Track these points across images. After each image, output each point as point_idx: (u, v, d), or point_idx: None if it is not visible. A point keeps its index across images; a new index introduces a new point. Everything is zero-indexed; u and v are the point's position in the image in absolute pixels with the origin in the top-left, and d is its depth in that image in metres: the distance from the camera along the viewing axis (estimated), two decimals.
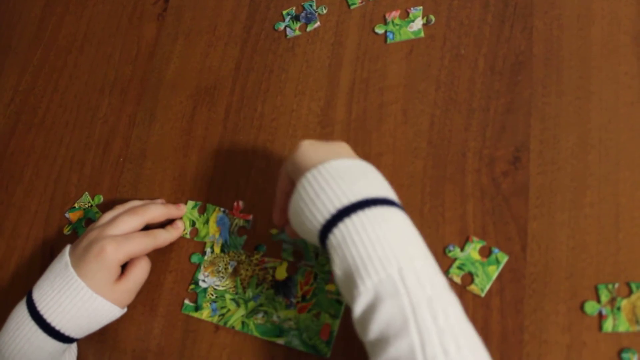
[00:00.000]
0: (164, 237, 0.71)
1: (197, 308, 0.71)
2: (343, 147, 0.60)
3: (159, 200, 0.76)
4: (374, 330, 0.49)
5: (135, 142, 0.84)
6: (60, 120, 0.90)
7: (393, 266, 0.50)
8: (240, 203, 0.74)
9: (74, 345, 0.73)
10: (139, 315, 0.73)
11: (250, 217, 0.73)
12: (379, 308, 0.48)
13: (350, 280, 0.51)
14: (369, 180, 0.56)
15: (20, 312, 0.66)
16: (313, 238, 0.56)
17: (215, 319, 0.69)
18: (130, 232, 0.69)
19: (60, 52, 0.95)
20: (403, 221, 0.54)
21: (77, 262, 0.66)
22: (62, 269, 0.66)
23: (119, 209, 0.72)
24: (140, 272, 0.69)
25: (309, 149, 0.59)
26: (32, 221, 0.84)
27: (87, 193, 0.83)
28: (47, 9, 1.00)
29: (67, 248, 0.69)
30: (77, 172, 0.85)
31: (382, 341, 0.48)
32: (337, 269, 0.52)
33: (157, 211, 0.72)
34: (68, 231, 0.81)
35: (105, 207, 0.80)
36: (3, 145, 0.91)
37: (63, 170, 0.86)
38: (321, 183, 0.55)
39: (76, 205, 0.82)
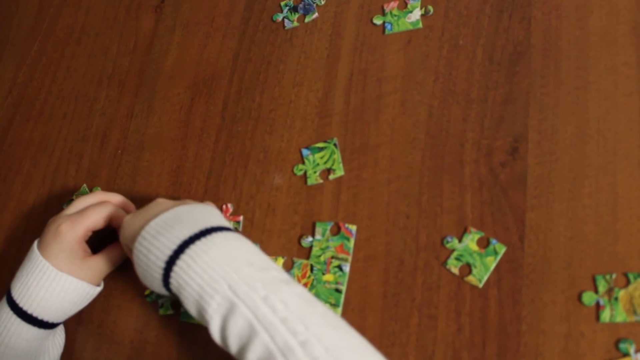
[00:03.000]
0: (116, 198, 0.73)
1: None
2: (159, 204, 0.63)
3: None
4: (233, 345, 0.53)
5: (133, 133, 0.83)
6: (58, 112, 0.89)
7: (223, 286, 0.53)
8: (229, 206, 0.74)
9: (60, 336, 0.73)
10: (137, 307, 0.73)
11: (240, 218, 0.73)
12: (228, 326, 0.52)
13: (200, 314, 0.55)
14: (182, 222, 0.59)
15: (2, 302, 0.67)
16: (160, 292, 0.60)
17: None
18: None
19: (58, 44, 0.95)
20: (222, 240, 0.57)
21: (41, 246, 0.68)
22: (29, 254, 0.68)
23: None
24: (114, 254, 0.70)
25: (127, 225, 0.63)
26: (29, 213, 0.84)
27: (85, 185, 0.82)
28: (45, 1, 1.00)
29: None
30: (75, 164, 0.85)
31: (242, 350, 0.52)
32: (189, 308, 0.56)
33: (115, 196, 0.73)
34: None
35: None
36: (1, 137, 0.91)
37: (61, 162, 0.86)
38: (145, 248, 0.58)
39: (74, 197, 0.82)
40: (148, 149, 0.82)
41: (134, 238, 0.60)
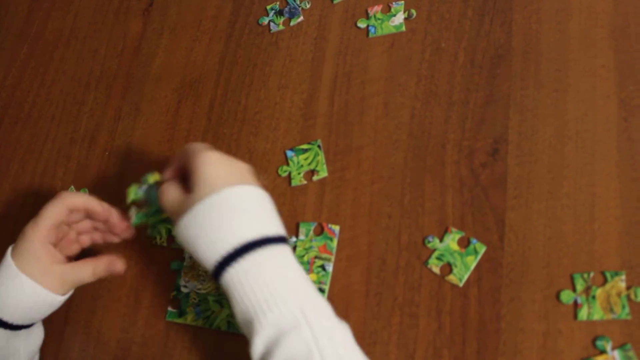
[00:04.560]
0: (71, 198, 0.67)
1: (181, 314, 0.71)
2: (247, 169, 0.60)
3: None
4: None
5: (121, 135, 0.84)
6: (47, 114, 0.90)
7: (294, 302, 0.52)
8: None
9: (36, 336, 0.70)
10: (123, 307, 0.74)
11: None
12: (282, 342, 0.50)
13: (252, 314, 0.52)
14: (268, 215, 0.57)
15: None
16: (204, 263, 0.56)
17: (200, 323, 0.70)
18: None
19: (47, 47, 0.96)
20: (294, 258, 0.56)
21: (14, 248, 0.66)
22: (4, 257, 0.66)
23: None
24: (85, 269, 0.67)
25: (217, 164, 0.58)
26: (17, 215, 0.85)
27: (72, 187, 0.83)
28: (34, 4, 1.00)
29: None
30: (63, 166, 0.85)
31: None
32: (237, 303, 0.53)
33: (77, 198, 0.68)
34: None
35: None
36: None
37: (49, 164, 0.86)
38: (223, 212, 0.55)
39: None
40: (135, 151, 0.82)
41: (210, 185, 0.56)
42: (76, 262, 0.67)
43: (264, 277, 0.53)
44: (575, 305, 0.59)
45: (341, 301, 0.66)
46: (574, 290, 0.60)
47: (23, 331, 0.67)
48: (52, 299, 0.65)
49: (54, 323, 0.74)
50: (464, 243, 0.65)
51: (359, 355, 0.52)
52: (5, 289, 0.64)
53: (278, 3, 0.84)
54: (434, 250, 0.65)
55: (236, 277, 0.53)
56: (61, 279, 0.66)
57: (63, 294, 0.67)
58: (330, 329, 0.51)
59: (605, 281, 0.59)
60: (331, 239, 0.68)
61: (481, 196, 0.66)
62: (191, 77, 0.84)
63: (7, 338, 0.66)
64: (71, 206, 0.67)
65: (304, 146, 0.74)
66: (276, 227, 0.57)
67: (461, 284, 0.63)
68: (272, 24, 0.83)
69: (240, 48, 0.83)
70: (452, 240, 0.65)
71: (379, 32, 0.77)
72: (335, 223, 0.69)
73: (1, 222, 0.85)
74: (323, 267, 0.67)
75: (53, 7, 0.99)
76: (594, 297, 0.59)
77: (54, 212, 0.66)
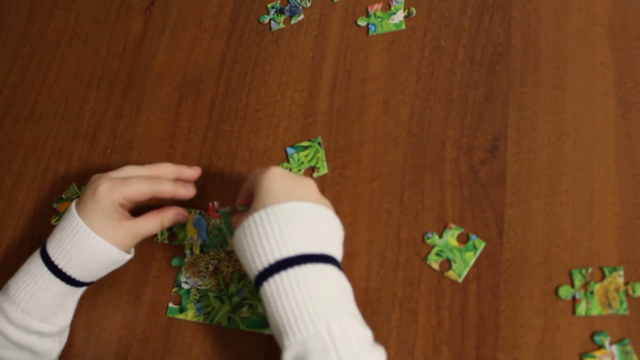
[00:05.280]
0: (166, 186, 0.69)
1: (182, 310, 0.71)
2: (309, 185, 0.61)
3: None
4: None
5: (122, 133, 0.85)
6: (49, 112, 0.91)
7: (322, 323, 0.52)
8: (216, 203, 0.75)
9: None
10: (124, 303, 0.74)
11: None
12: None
13: (281, 329, 0.53)
14: (315, 232, 0.57)
15: (35, 254, 0.68)
16: (249, 274, 0.58)
17: (200, 319, 0.70)
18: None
19: (49, 46, 0.96)
20: (336, 279, 0.56)
21: (79, 204, 0.67)
22: (67, 212, 0.68)
23: None
24: (151, 222, 0.69)
25: (276, 179, 0.60)
26: (19, 212, 0.85)
27: (74, 184, 0.83)
28: (36, 3, 1.01)
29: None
30: (65, 164, 0.86)
31: None
32: (270, 316, 0.55)
33: (166, 167, 0.70)
34: (56, 221, 0.82)
35: None
36: None
37: (51, 162, 0.87)
38: (266, 227, 0.56)
39: (64, 196, 0.83)
40: (137, 149, 0.83)
41: (264, 199, 0.58)
42: (143, 216, 0.69)
43: (296, 296, 0.53)
44: (574, 301, 0.60)
45: None
46: (573, 285, 0.60)
47: (81, 289, 0.69)
48: (122, 258, 0.68)
49: None
50: (463, 239, 0.65)
51: None
52: (76, 250, 0.65)
53: (279, 1, 0.84)
54: (434, 246, 0.65)
55: (269, 292, 0.55)
56: (130, 234, 0.68)
57: (128, 251, 0.70)
58: (359, 355, 0.51)
59: (603, 277, 0.60)
60: None
61: (480, 193, 0.66)
62: (192, 75, 0.84)
63: (67, 295, 0.68)
64: (160, 195, 0.68)
65: (305, 143, 0.74)
66: (321, 244, 0.57)
67: (460, 280, 0.63)
68: (272, 22, 0.83)
69: (241, 46, 0.84)
70: (451, 237, 0.65)
71: (379, 30, 0.77)
72: None
73: (3, 219, 0.86)
74: None
75: (55, 5, 0.99)
76: (592, 293, 0.59)
77: (135, 193, 0.67)
